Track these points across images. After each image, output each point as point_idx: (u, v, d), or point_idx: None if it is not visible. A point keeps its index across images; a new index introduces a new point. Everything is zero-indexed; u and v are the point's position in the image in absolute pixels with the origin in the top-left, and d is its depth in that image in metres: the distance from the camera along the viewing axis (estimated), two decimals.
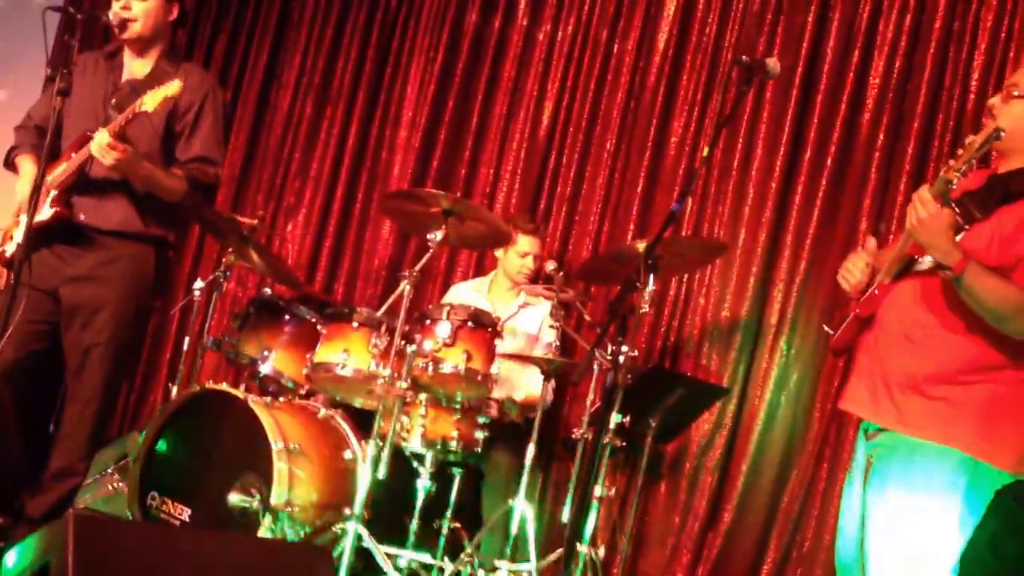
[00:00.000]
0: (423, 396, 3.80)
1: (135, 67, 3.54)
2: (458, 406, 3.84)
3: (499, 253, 4.52)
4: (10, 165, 3.61)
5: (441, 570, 3.70)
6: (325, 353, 3.74)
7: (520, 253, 4.44)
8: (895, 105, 4.37)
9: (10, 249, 3.43)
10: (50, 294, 3.37)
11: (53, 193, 3.33)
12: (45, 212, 3.31)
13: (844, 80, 4.46)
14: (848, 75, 4.45)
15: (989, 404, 2.47)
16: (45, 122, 3.53)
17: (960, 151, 2.41)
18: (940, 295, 2.52)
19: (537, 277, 4.48)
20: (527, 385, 4.35)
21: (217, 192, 3.57)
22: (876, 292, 2.65)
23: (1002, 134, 2.37)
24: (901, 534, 2.50)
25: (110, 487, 4.05)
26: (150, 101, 3.14)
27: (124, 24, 3.42)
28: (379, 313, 3.82)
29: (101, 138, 3.18)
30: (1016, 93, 2.50)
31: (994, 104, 2.59)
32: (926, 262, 2.56)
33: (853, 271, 2.71)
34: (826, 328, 2.85)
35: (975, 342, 2.48)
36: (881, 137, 4.37)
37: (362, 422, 3.90)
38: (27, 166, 3.49)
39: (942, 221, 2.39)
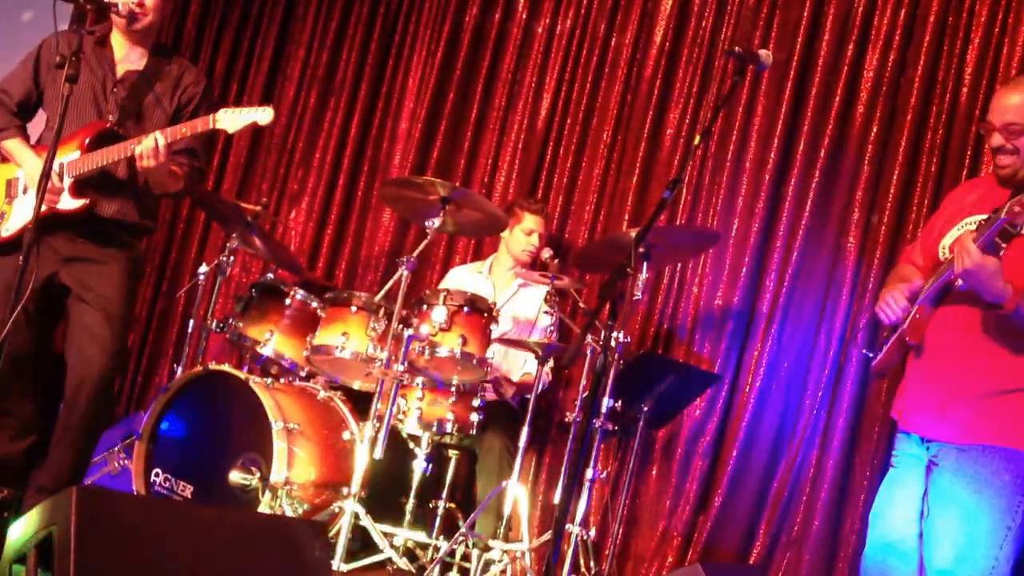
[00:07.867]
0: (420, 379, 3.88)
1: (130, 56, 3.50)
2: (454, 389, 3.91)
3: (504, 233, 4.56)
4: None
5: (436, 549, 3.76)
6: (325, 336, 3.81)
7: (526, 231, 4.51)
8: (888, 98, 4.42)
9: (3, 231, 3.41)
10: (44, 279, 3.34)
11: (68, 181, 3.31)
12: (69, 202, 3.31)
13: (838, 73, 4.51)
14: (842, 68, 4.50)
15: None
16: (25, 100, 3.49)
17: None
18: (991, 321, 2.65)
19: (536, 260, 4.55)
20: (521, 367, 4.43)
21: (198, 186, 3.62)
22: (918, 317, 2.76)
23: None
24: (965, 528, 2.62)
25: (116, 464, 4.14)
26: (232, 123, 3.22)
27: (134, 16, 3.41)
28: (377, 298, 3.89)
29: (158, 141, 3.19)
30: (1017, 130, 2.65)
31: (1001, 145, 2.72)
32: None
33: (895, 308, 2.82)
34: (865, 352, 2.94)
35: None
36: (875, 130, 4.42)
37: (360, 404, 3.98)
38: (21, 150, 3.43)
39: (988, 268, 2.50)
